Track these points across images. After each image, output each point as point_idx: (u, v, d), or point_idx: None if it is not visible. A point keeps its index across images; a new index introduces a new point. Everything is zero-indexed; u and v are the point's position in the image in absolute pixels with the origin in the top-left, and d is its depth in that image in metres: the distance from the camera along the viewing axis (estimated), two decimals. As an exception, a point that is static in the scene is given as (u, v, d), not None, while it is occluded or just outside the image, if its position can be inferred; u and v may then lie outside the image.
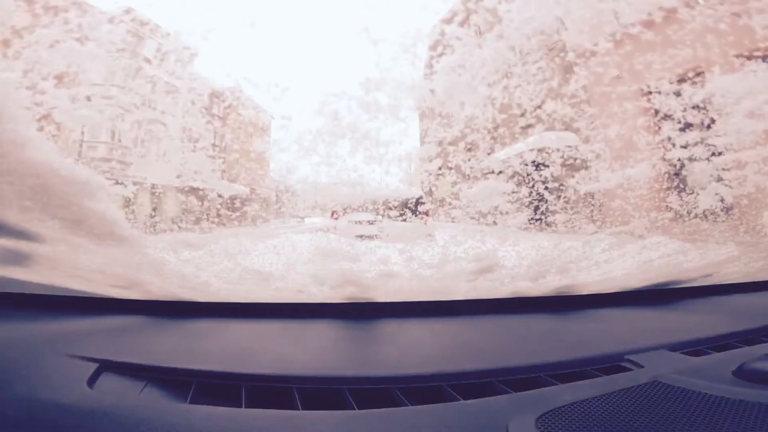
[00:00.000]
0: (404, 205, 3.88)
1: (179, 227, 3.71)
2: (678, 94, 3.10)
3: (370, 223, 3.75)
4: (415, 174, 4.53)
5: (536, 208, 3.62)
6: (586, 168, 3.41)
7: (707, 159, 2.93)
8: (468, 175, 4.02)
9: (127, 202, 3.43)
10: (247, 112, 4.41)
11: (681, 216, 3.03)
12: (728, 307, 1.35)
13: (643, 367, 0.81)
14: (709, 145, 2.94)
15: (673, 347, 0.91)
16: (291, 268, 2.30)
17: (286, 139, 3.76)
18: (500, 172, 3.77)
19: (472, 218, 3.66)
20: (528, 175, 3.63)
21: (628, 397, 0.67)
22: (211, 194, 3.92)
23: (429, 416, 0.64)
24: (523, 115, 3.85)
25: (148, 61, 3.96)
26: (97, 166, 3.61)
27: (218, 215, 3.87)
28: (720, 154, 2.89)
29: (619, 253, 2.47)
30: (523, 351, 0.96)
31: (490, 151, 4.11)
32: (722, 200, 2.84)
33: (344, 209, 3.93)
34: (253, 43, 3.49)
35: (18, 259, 1.25)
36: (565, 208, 3.49)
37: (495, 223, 3.44)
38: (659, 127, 3.21)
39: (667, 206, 3.11)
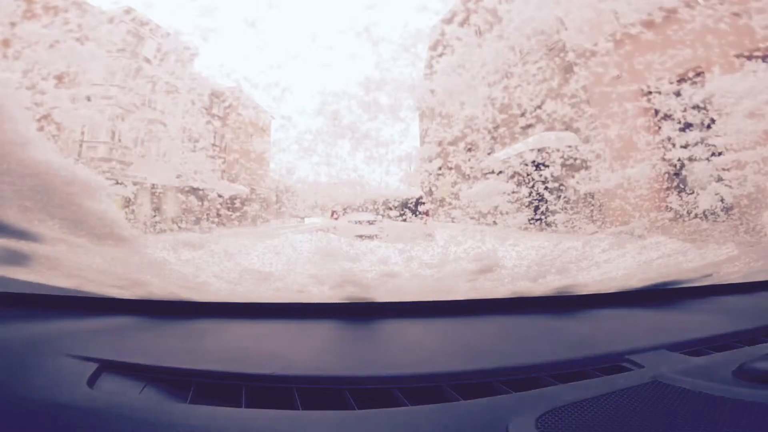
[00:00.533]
0: (404, 205, 3.88)
1: (179, 227, 3.71)
2: (678, 94, 3.10)
3: (370, 223, 3.75)
4: (415, 174, 4.53)
5: (536, 208, 3.62)
6: (586, 168, 3.41)
7: (707, 159, 2.93)
8: (468, 175, 4.02)
9: (127, 202, 3.43)
10: (247, 112, 4.40)
11: (681, 216, 3.03)
12: (728, 307, 1.35)
13: (643, 367, 0.81)
14: (709, 145, 2.94)
15: (673, 347, 0.91)
16: (291, 268, 2.30)
17: (286, 139, 3.75)
18: (500, 172, 3.77)
19: (472, 218, 3.66)
20: (528, 175, 3.63)
21: (628, 397, 0.68)
22: (211, 194, 3.92)
23: (429, 416, 0.64)
24: (523, 115, 3.85)
25: (148, 61, 3.95)
26: (97, 166, 3.61)
27: (218, 215, 3.87)
28: (720, 154, 2.89)
29: (619, 253, 2.47)
30: (523, 351, 0.96)
31: (490, 151, 4.11)
32: (722, 200, 2.83)
33: (344, 209, 3.93)
34: (253, 43, 3.48)
35: (18, 259, 1.25)
36: (565, 208, 3.49)
37: (495, 223, 3.44)
38: (659, 127, 3.21)
39: (667, 206, 3.11)
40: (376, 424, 0.63)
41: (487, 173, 3.99)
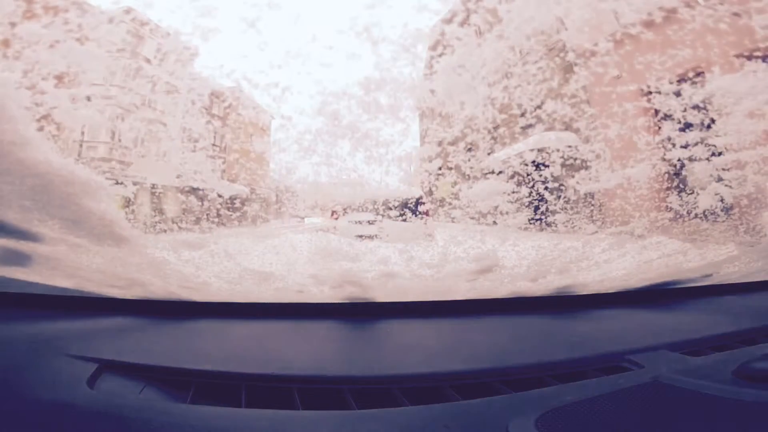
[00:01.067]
0: (404, 205, 3.87)
1: (179, 227, 3.71)
2: (678, 94, 3.10)
3: (370, 223, 3.75)
4: (415, 174, 4.54)
5: (536, 208, 3.62)
6: (586, 168, 3.41)
7: (707, 159, 2.93)
8: (468, 175, 4.02)
9: (127, 202, 3.43)
10: (247, 112, 4.40)
11: (681, 216, 3.03)
12: (728, 307, 1.35)
13: (643, 367, 0.81)
14: (709, 145, 2.94)
15: (673, 347, 0.91)
16: (291, 268, 2.30)
17: (286, 139, 3.76)
18: (500, 172, 3.77)
19: (472, 218, 3.66)
20: (528, 175, 3.63)
21: (628, 397, 0.68)
22: (211, 194, 3.92)
23: (429, 416, 0.64)
24: (523, 115, 3.85)
25: (148, 61, 3.95)
26: (97, 166, 3.61)
27: (218, 215, 3.87)
28: (720, 154, 2.89)
29: (619, 253, 2.47)
30: (523, 351, 0.96)
31: (490, 151, 4.11)
32: (722, 200, 2.84)
33: (344, 209, 3.93)
34: (253, 43, 3.49)
35: (18, 259, 1.25)
36: (565, 208, 3.49)
37: (495, 223, 3.44)
38: (659, 127, 3.21)
39: (667, 206, 3.11)
40: (376, 424, 0.63)
41: (487, 173, 3.99)
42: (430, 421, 0.62)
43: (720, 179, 2.84)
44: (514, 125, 4.00)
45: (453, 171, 4.29)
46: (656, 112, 3.26)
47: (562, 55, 3.73)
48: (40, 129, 2.53)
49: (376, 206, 3.77)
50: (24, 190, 1.60)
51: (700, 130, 3.01)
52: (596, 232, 3.08)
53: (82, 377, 0.71)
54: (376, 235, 3.63)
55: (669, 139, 3.13)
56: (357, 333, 1.11)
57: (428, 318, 1.20)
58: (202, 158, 4.07)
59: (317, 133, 3.57)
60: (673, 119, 3.11)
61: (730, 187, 2.78)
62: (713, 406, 0.62)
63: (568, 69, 3.69)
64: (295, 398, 0.70)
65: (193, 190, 3.92)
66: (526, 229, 3.47)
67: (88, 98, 3.34)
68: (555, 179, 3.51)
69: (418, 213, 3.89)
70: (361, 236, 3.56)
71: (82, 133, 3.71)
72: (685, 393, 0.67)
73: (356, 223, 3.78)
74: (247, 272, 2.10)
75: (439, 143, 4.29)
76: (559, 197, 3.54)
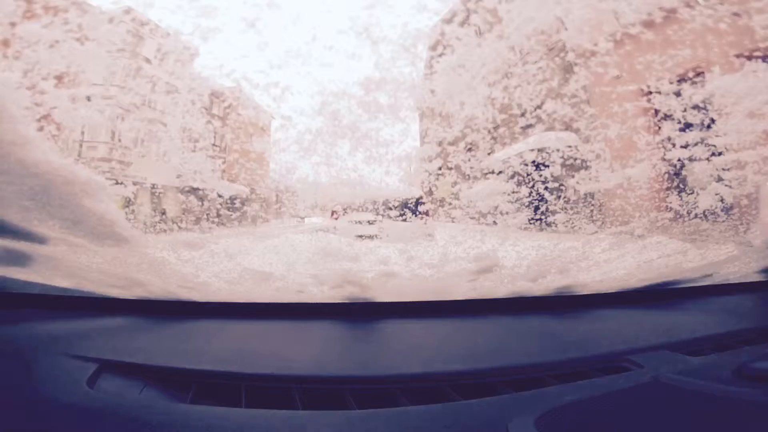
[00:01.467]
0: (404, 205, 3.87)
1: (179, 227, 3.71)
2: (678, 94, 3.10)
3: (370, 223, 3.74)
4: (415, 174, 4.53)
5: (536, 208, 3.62)
6: (586, 168, 3.41)
7: (707, 159, 2.93)
8: (468, 175, 4.02)
9: (127, 202, 3.43)
10: (247, 112, 4.41)
11: (681, 216, 3.03)
12: (728, 307, 1.35)
13: (643, 367, 0.81)
14: (709, 145, 2.94)
15: (674, 347, 0.91)
16: (291, 268, 2.30)
17: (286, 139, 3.76)
18: (500, 172, 3.77)
19: (472, 218, 3.66)
20: (528, 175, 3.63)
21: (629, 397, 0.68)
22: (211, 194, 3.92)
23: (429, 416, 0.64)
24: (523, 115, 3.85)
25: (148, 61, 3.95)
26: (97, 166, 3.62)
27: (218, 215, 3.87)
28: (720, 154, 2.89)
29: (619, 253, 2.47)
30: (523, 351, 0.96)
31: (490, 151, 4.11)
32: (722, 200, 2.83)
33: (344, 209, 3.93)
34: (253, 43, 3.49)
35: (18, 259, 1.25)
36: (565, 208, 3.49)
37: (495, 223, 3.44)
38: (659, 127, 3.21)
39: (667, 206, 3.11)
40: (377, 424, 0.63)
41: (487, 173, 3.99)
42: (430, 421, 0.63)
43: (720, 179, 2.84)
44: (514, 125, 4.00)
45: (453, 171, 4.29)
46: (656, 112, 3.26)
47: (562, 55, 3.73)
48: (40, 129, 2.53)
49: (376, 206, 3.76)
50: (24, 190, 1.60)
51: (700, 130, 3.01)
52: (596, 232, 3.08)
53: (82, 377, 0.71)
54: (376, 235, 3.63)
55: (669, 139, 3.13)
56: (357, 333, 1.11)
57: (428, 318, 1.19)
58: (202, 158, 4.07)
59: (317, 133, 3.57)
60: (673, 119, 3.11)
61: (730, 187, 2.78)
62: (713, 406, 0.62)
63: (568, 69, 3.69)
64: (296, 398, 0.70)
65: (193, 190, 3.92)
66: (526, 229, 3.47)
67: (88, 98, 3.34)
68: (555, 179, 3.51)
69: (418, 213, 3.89)
70: (361, 236, 3.56)
71: (82, 133, 3.71)
72: (685, 393, 0.67)
73: (356, 223, 3.78)
74: (247, 272, 2.09)
75: (439, 143, 4.29)
76: (559, 197, 3.54)
